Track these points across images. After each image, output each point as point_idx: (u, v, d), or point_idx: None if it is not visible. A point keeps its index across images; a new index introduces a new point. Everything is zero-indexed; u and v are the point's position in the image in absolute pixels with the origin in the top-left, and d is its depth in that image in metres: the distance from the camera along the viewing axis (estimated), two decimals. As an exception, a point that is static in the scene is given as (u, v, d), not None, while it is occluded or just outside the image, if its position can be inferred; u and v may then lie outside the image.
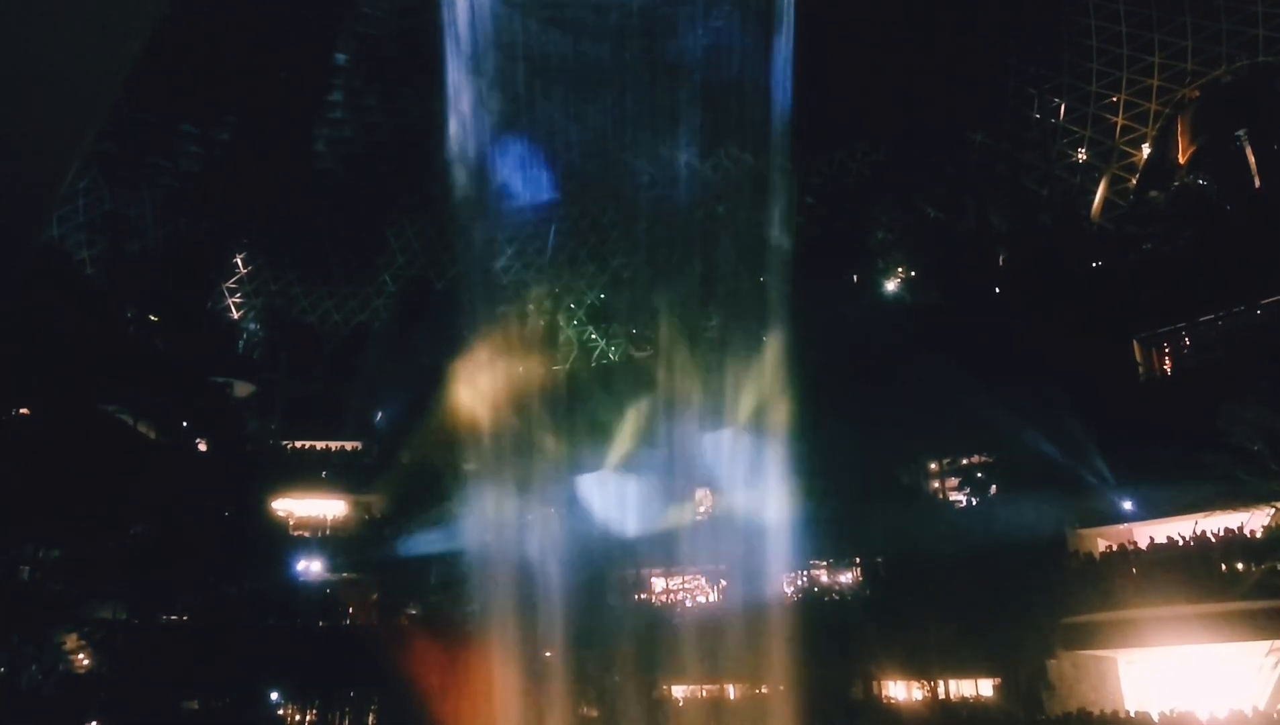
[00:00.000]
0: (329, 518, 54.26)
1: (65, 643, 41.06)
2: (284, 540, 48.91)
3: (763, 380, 45.57)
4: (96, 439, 44.71)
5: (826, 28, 54.56)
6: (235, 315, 71.23)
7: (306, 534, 51.75)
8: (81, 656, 41.92)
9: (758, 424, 45.13)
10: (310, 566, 47.77)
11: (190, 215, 64.98)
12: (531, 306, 66.01)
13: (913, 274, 59.97)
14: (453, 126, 54.23)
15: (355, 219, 71.13)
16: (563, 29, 59.63)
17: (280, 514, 53.04)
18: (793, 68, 51.14)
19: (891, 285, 60.62)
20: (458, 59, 52.83)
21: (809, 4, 51.79)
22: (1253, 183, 45.05)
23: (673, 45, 57.26)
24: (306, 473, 55.21)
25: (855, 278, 59.22)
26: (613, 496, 48.78)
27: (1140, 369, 42.91)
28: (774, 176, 52.13)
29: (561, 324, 69.65)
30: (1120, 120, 56.40)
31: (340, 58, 63.42)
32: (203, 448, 55.07)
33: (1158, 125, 54.07)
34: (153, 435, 51.12)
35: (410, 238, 73.22)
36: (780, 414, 43.67)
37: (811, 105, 54.24)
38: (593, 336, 70.68)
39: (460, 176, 54.10)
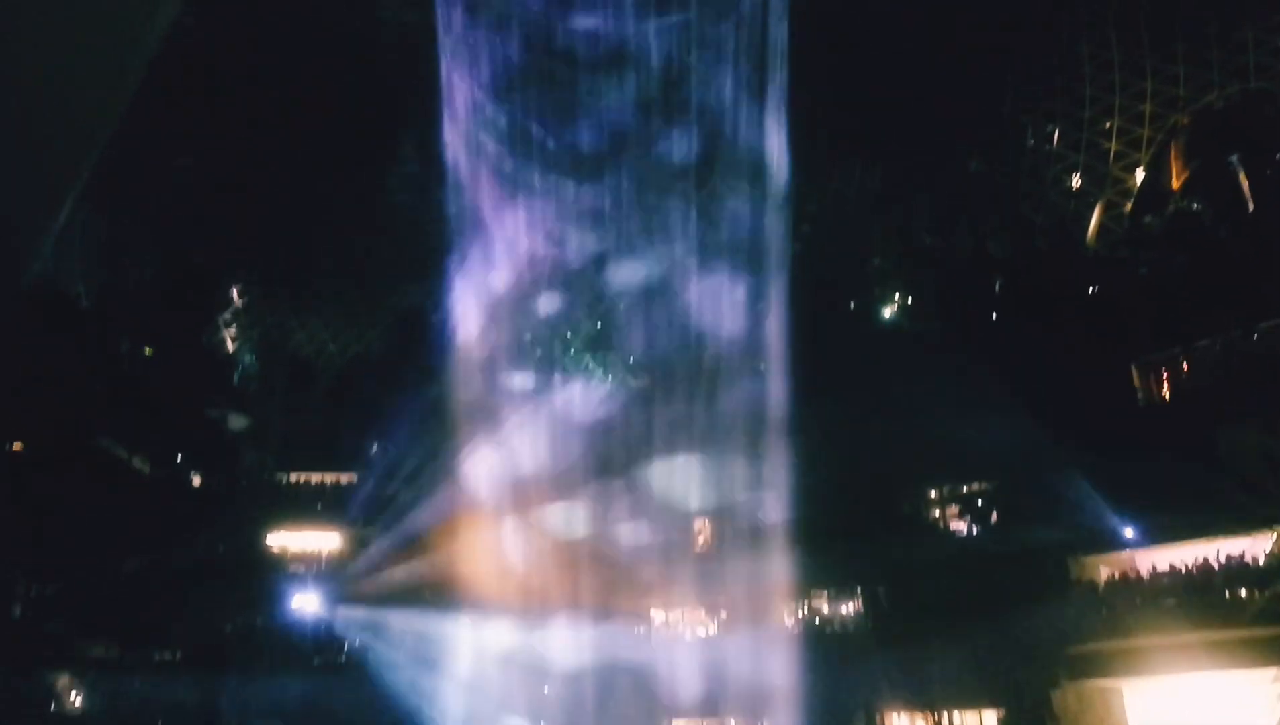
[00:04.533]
0: (324, 552, 53.83)
1: (58, 682, 40.62)
2: (279, 575, 48.53)
3: (759, 410, 45.30)
4: (91, 473, 44.49)
5: (823, 54, 54.83)
6: (230, 347, 71.00)
7: (301, 569, 51.31)
8: (74, 695, 41.44)
9: (755, 454, 44.88)
10: (305, 601, 47.35)
11: (186, 246, 64.95)
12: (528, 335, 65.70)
13: (909, 300, 59.96)
14: (449, 152, 54.43)
15: (351, 250, 71.06)
16: (555, 58, 59.84)
17: (275, 549, 52.63)
18: (788, 95, 51.39)
19: (888, 312, 60.53)
20: (454, 95, 53.14)
21: (805, 31, 51.99)
22: (1246, 207, 45.17)
23: (666, 77, 57.42)
24: (301, 506, 54.85)
25: (851, 304, 59.18)
26: (606, 523, 48.32)
27: (1139, 394, 42.82)
28: (769, 203, 52.23)
29: (557, 352, 69.36)
30: (1114, 146, 56.62)
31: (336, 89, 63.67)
32: (197, 482, 54.81)
33: (1151, 151, 54.28)
34: (147, 469, 50.85)
35: (406, 268, 73.06)
36: (778, 443, 43.44)
37: (806, 132, 54.45)
38: (589, 365, 70.41)
39: (455, 206, 54.21)
